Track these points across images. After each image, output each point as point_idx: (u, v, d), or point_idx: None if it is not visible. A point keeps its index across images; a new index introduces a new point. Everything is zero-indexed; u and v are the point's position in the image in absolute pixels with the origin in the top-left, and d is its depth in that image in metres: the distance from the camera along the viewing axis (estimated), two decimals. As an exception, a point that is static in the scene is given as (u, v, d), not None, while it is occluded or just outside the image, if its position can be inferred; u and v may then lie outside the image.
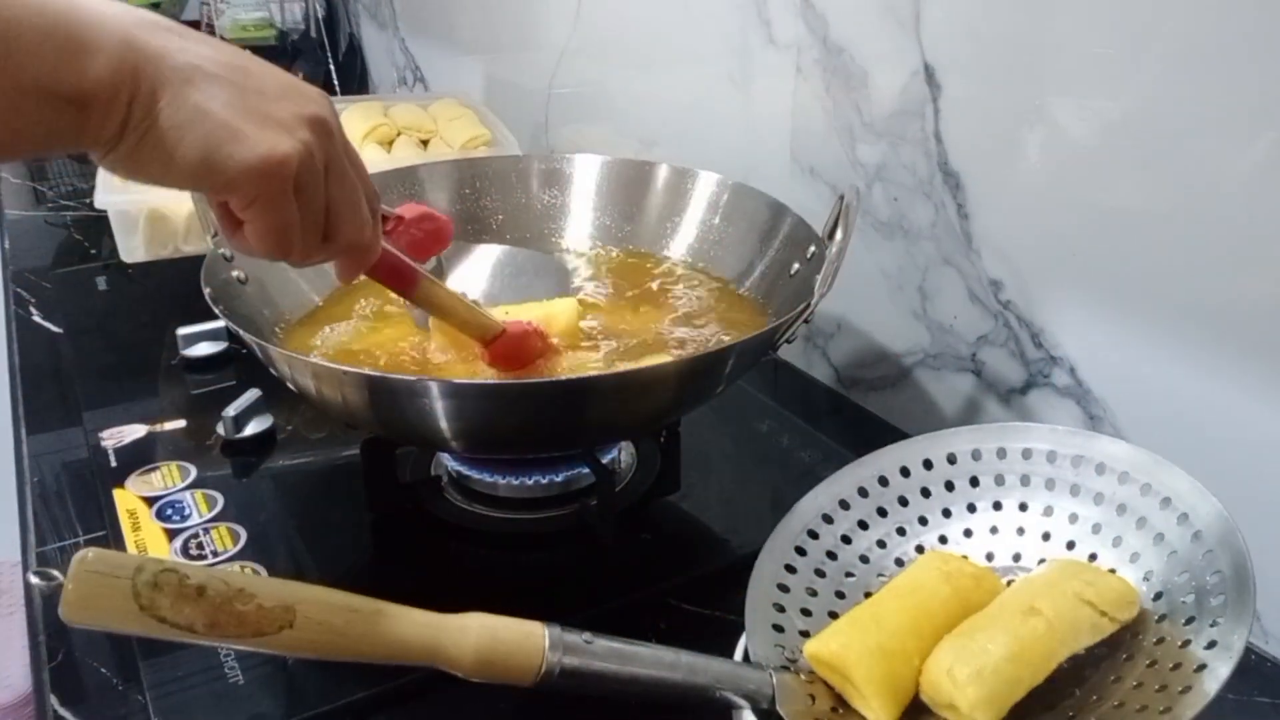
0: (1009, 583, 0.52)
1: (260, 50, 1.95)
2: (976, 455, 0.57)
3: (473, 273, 0.74)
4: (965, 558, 0.52)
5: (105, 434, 0.79)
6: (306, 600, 0.39)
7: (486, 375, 0.65)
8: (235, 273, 0.71)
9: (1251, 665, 0.59)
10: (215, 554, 0.65)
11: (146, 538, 0.66)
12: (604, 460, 0.67)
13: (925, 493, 0.57)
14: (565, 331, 0.68)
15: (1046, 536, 0.54)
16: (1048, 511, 0.54)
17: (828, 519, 0.56)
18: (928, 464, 0.57)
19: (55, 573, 0.36)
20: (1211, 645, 0.43)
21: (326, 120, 0.44)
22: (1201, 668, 0.42)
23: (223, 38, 1.93)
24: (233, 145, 0.40)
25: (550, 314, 0.68)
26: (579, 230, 0.89)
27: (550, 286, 0.73)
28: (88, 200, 1.22)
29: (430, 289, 0.59)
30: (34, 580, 0.38)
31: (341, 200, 0.46)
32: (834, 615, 0.51)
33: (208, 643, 0.38)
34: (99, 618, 0.36)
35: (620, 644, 0.44)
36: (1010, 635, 0.44)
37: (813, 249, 0.70)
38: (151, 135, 0.39)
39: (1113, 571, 0.51)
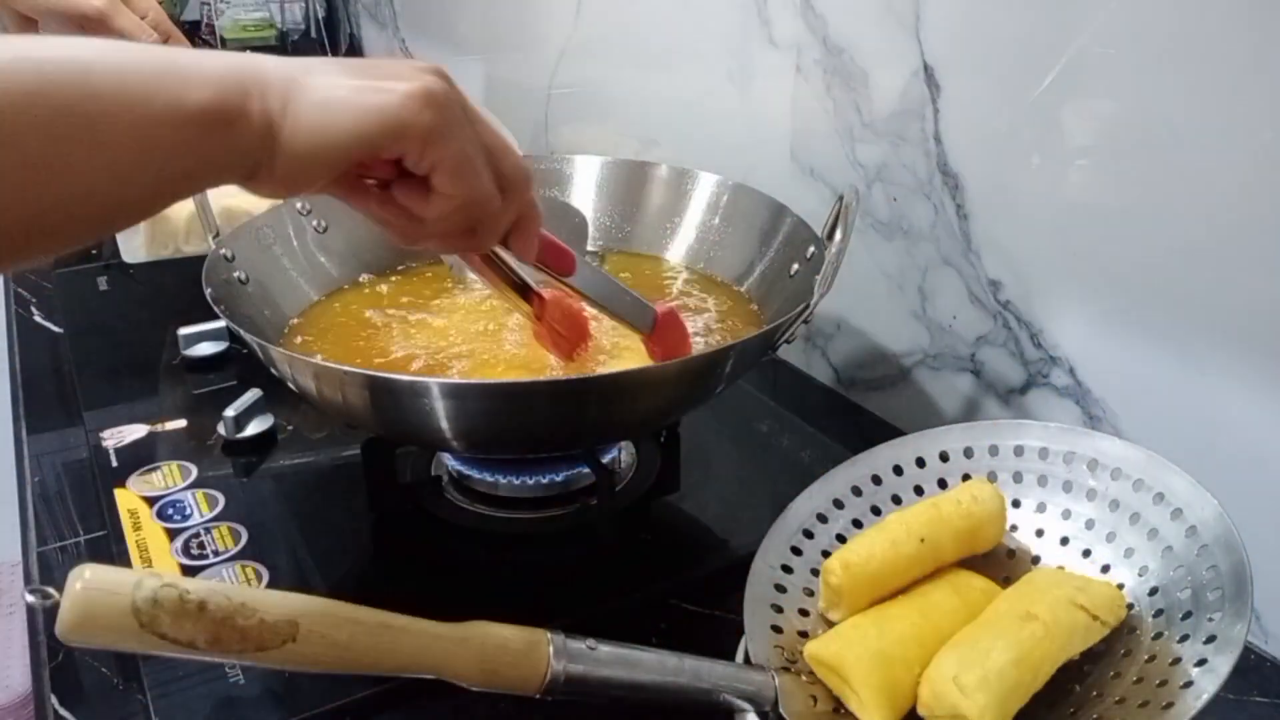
0: (1005, 580, 0.52)
1: (260, 50, 1.96)
2: (969, 453, 0.57)
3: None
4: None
5: (106, 434, 0.79)
6: (310, 614, 0.38)
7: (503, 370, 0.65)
8: (236, 273, 0.71)
9: (1250, 665, 0.59)
10: (216, 554, 0.65)
11: (147, 537, 0.66)
12: (604, 460, 0.67)
13: (919, 490, 0.57)
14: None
15: (1040, 533, 0.54)
16: (1041, 508, 0.55)
17: (822, 518, 0.56)
18: (920, 462, 0.57)
19: (52, 591, 0.35)
20: (1211, 640, 0.43)
21: (445, 73, 0.43)
22: (1202, 663, 0.42)
23: (223, 38, 1.94)
24: (379, 94, 0.40)
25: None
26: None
27: (564, 238, 0.72)
28: (88, 200, 1.22)
29: (590, 271, 0.57)
30: (30, 599, 0.38)
31: (493, 140, 0.45)
32: (833, 615, 0.51)
33: (210, 659, 0.37)
34: (98, 636, 0.35)
35: (624, 650, 0.44)
36: (1010, 641, 0.44)
37: (812, 249, 0.70)
38: (301, 121, 0.39)
39: (1107, 569, 0.51)
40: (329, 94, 0.40)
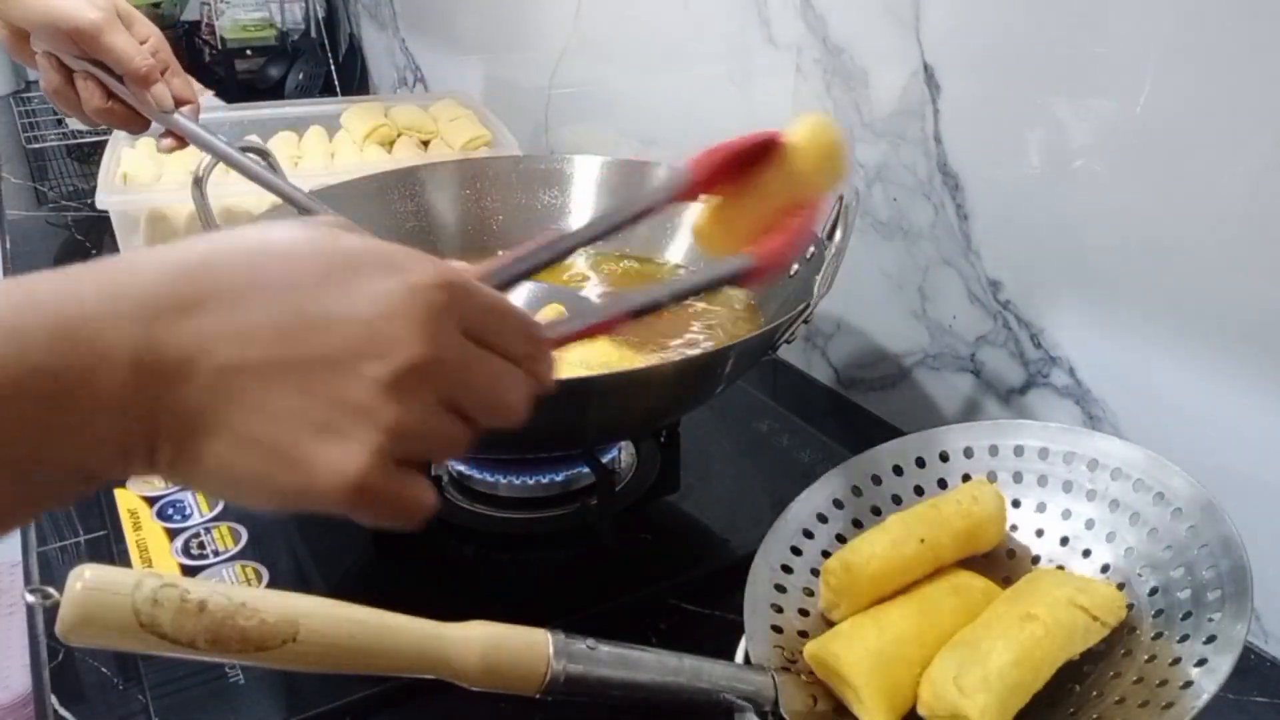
0: (1005, 580, 0.52)
1: (260, 50, 1.96)
2: (969, 453, 0.57)
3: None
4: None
5: (106, 434, 0.79)
6: (310, 614, 0.38)
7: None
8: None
9: (1250, 665, 0.59)
10: (216, 553, 0.65)
11: (147, 537, 0.66)
12: (604, 460, 0.67)
13: (919, 490, 0.57)
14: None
15: (1040, 533, 0.54)
16: (1041, 508, 0.55)
17: (822, 518, 0.56)
18: (920, 462, 0.57)
19: (52, 590, 0.35)
20: (1211, 640, 0.43)
21: (426, 338, 0.33)
22: (1202, 663, 0.42)
23: (223, 39, 1.94)
24: (291, 475, 0.32)
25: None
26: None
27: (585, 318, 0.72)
28: (89, 200, 1.22)
29: (657, 292, 0.47)
30: (30, 599, 0.38)
31: (475, 395, 0.36)
32: (833, 615, 0.51)
33: (210, 659, 0.37)
34: (98, 636, 0.35)
35: (624, 650, 0.44)
36: (1010, 641, 0.44)
37: (812, 249, 0.70)
38: (197, 472, 0.32)
39: (1106, 569, 0.51)
40: (235, 455, 0.31)
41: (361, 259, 0.33)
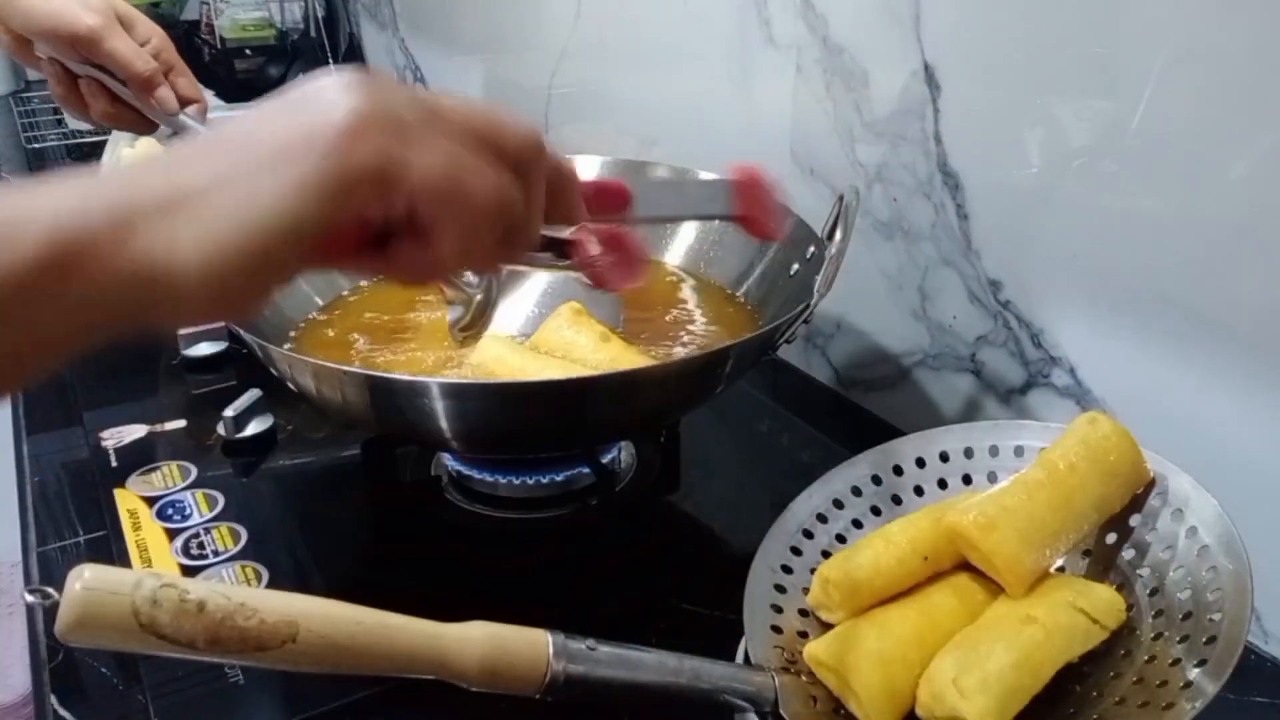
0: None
1: (260, 50, 1.96)
2: (969, 453, 0.57)
3: (519, 299, 0.74)
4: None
5: (106, 434, 0.79)
6: (309, 614, 0.38)
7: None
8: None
9: (1251, 665, 0.59)
10: (216, 554, 0.65)
11: (147, 537, 0.66)
12: (604, 460, 0.68)
13: (919, 491, 0.57)
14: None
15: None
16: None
17: (822, 518, 0.56)
18: (920, 462, 0.57)
19: (51, 591, 0.35)
20: (1211, 641, 0.43)
21: (367, 73, 0.33)
22: (1202, 663, 0.42)
23: (223, 38, 1.94)
24: (292, 165, 0.31)
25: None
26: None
27: (600, 315, 0.73)
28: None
29: (645, 190, 0.48)
30: (30, 599, 0.38)
31: (474, 121, 0.34)
32: (833, 615, 0.51)
33: (210, 659, 0.37)
34: (97, 636, 0.35)
35: (624, 650, 0.44)
36: (1010, 644, 0.44)
37: (812, 249, 0.70)
38: (203, 240, 0.30)
39: (1107, 569, 0.51)
40: (229, 195, 0.30)
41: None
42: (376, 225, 0.34)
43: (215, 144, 0.32)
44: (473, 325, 0.57)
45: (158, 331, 0.33)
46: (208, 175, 0.31)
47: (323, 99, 0.32)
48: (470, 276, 0.58)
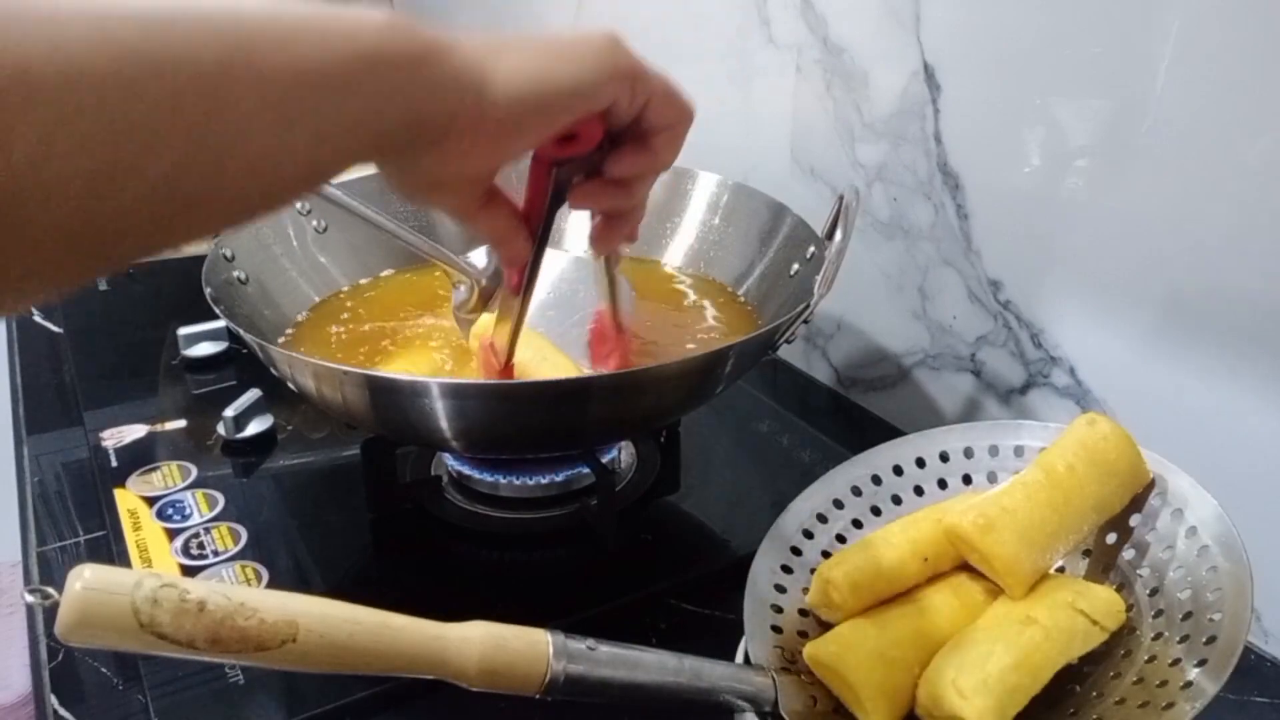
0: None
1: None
2: (969, 453, 0.57)
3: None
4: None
5: (106, 434, 0.79)
6: (309, 614, 0.38)
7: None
8: (236, 273, 0.71)
9: (1251, 665, 0.59)
10: (216, 554, 0.65)
11: (147, 537, 0.66)
12: (604, 460, 0.67)
13: (919, 491, 0.57)
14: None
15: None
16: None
17: (822, 518, 0.56)
18: (920, 462, 0.57)
19: (51, 591, 0.36)
20: (1211, 641, 0.43)
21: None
22: (1202, 663, 0.42)
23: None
24: (576, 45, 0.40)
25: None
26: (579, 231, 0.88)
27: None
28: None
29: None
30: (30, 599, 0.38)
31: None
32: (833, 615, 0.51)
33: (210, 659, 0.37)
34: (97, 636, 0.35)
35: (624, 650, 0.44)
36: (1009, 645, 0.44)
37: (812, 249, 0.70)
38: (517, 66, 0.38)
39: (1108, 569, 0.51)
40: (532, 47, 0.39)
41: None
42: (614, 125, 0.43)
43: (515, 37, 0.40)
44: (476, 309, 0.58)
45: (428, 154, 0.37)
46: (516, 43, 0.39)
47: (585, 32, 0.40)
48: (476, 261, 0.59)
